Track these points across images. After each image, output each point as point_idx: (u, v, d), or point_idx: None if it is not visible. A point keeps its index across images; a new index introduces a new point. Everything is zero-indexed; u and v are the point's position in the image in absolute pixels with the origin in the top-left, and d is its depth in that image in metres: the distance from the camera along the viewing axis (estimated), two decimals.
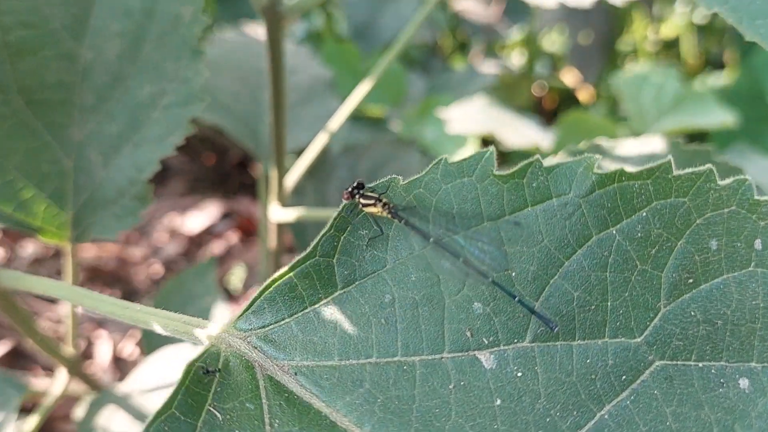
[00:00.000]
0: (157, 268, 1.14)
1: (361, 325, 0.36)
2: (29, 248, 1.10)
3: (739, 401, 0.34)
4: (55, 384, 0.65)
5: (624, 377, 0.34)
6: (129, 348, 1.01)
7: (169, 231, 1.17)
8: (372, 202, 0.37)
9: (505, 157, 1.13)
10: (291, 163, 0.77)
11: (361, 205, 0.37)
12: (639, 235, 0.35)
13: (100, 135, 0.59)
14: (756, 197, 0.35)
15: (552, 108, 1.46)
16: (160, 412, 0.34)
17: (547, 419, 0.34)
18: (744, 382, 0.35)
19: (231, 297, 1.09)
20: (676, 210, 0.35)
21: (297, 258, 0.36)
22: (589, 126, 0.99)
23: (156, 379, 0.64)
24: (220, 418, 0.35)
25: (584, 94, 1.41)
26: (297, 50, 0.95)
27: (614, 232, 0.35)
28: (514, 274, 0.35)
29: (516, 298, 0.34)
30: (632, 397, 0.34)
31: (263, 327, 0.37)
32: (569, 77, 1.46)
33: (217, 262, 1.09)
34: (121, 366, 0.97)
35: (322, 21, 1.48)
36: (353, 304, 0.36)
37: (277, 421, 0.35)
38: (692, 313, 0.35)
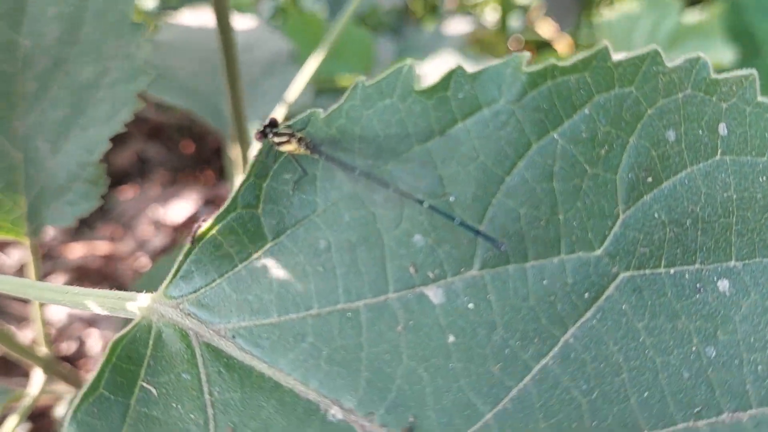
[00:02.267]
0: (144, 262, 1.13)
1: (298, 276, 0.33)
2: (15, 255, 1.10)
3: (720, 305, 0.31)
4: (31, 385, 0.63)
5: (587, 295, 0.31)
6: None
7: (153, 224, 1.16)
8: (285, 139, 0.33)
9: None
10: None
11: (276, 145, 0.34)
12: (584, 135, 0.31)
13: (46, 122, 0.57)
14: (713, 76, 0.31)
15: (528, 61, 1.40)
16: (87, 394, 0.31)
17: (506, 351, 0.31)
18: (723, 284, 0.31)
19: None
20: (622, 101, 0.31)
21: (217, 212, 0.33)
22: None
23: None
24: (155, 393, 0.32)
25: (562, 45, 1.35)
26: (257, 26, 0.93)
27: (555, 136, 0.31)
28: (452, 198, 0.32)
29: (456, 221, 0.31)
30: (598, 316, 0.31)
31: (194, 291, 0.34)
32: (545, 29, 1.40)
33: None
34: None
35: None
36: (286, 255, 0.33)
37: (216, 389, 0.32)
38: (656, 215, 0.31)
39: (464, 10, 1.45)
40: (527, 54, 0.31)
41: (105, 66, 0.57)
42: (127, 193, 1.25)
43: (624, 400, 0.30)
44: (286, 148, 0.34)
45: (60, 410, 0.61)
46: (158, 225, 1.16)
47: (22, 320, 1.02)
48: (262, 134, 0.34)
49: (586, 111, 0.31)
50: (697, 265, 0.31)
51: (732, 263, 0.31)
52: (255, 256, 0.34)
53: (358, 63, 1.04)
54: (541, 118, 0.31)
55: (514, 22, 1.40)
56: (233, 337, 0.33)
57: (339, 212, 0.33)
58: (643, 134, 0.31)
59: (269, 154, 0.34)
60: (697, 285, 0.31)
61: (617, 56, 0.30)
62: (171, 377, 0.33)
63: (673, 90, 0.31)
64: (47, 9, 0.56)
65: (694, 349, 0.30)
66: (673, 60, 0.31)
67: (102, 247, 1.15)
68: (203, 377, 0.33)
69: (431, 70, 0.92)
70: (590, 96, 0.31)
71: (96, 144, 0.56)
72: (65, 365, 0.65)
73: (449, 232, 0.32)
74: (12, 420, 0.57)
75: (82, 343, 1.00)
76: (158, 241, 1.14)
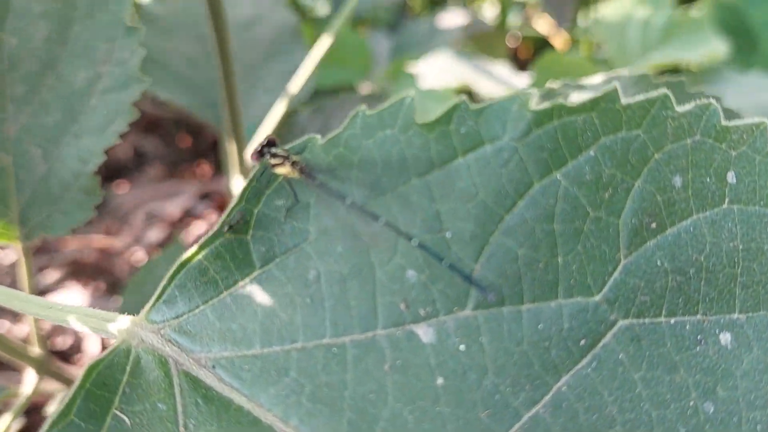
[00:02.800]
0: (140, 257, 1.11)
1: (285, 307, 0.32)
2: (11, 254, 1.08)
3: (721, 359, 0.30)
4: (24, 385, 0.62)
5: (583, 342, 0.30)
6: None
7: (149, 218, 1.15)
8: (280, 161, 0.32)
9: None
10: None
11: (271, 166, 0.33)
12: (588, 177, 0.30)
13: (37, 127, 0.56)
14: (724, 123, 0.30)
15: (527, 58, 1.39)
16: (56, 421, 0.30)
17: (497, 396, 0.29)
18: (725, 337, 0.30)
19: None
20: (629, 145, 0.30)
21: (205, 237, 0.32)
22: (565, 67, 0.93)
23: None
24: (128, 423, 0.31)
25: (559, 41, 1.34)
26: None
27: (558, 177, 0.30)
28: (449, 234, 0.31)
29: (445, 264, 0.30)
30: (594, 364, 0.30)
31: (177, 317, 0.33)
32: (542, 25, 1.39)
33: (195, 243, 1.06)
34: None
35: None
36: (274, 284, 0.32)
37: (192, 421, 0.31)
38: (658, 263, 0.30)
39: (462, 4, 1.44)
40: (535, 91, 0.30)
41: (97, 71, 0.55)
42: (123, 186, 1.23)
43: None
44: (281, 171, 0.33)
45: (52, 409, 0.59)
46: (154, 219, 1.14)
47: (18, 315, 1.01)
48: (260, 154, 0.33)
49: (592, 152, 0.30)
50: (699, 316, 0.30)
51: (735, 315, 0.30)
52: (241, 283, 0.32)
53: (357, 65, 1.03)
54: (544, 158, 0.30)
55: (512, 18, 1.39)
56: (213, 367, 0.32)
57: (332, 242, 0.32)
58: (649, 179, 0.30)
59: (264, 175, 0.32)
60: (698, 337, 0.30)
61: (626, 99, 0.29)
62: (146, 406, 0.31)
63: (682, 135, 0.30)
64: (32, 5, 0.55)
65: (692, 403, 0.29)
66: (684, 106, 0.30)
67: (97, 241, 1.13)
68: (179, 408, 0.31)
69: (428, 70, 0.91)
70: (596, 137, 0.30)
71: (90, 154, 0.54)
72: (59, 362, 0.64)
73: (444, 270, 0.31)
74: (5, 419, 0.56)
75: (77, 338, 0.98)
76: (154, 235, 1.12)
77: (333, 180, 0.32)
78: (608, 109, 0.30)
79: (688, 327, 0.30)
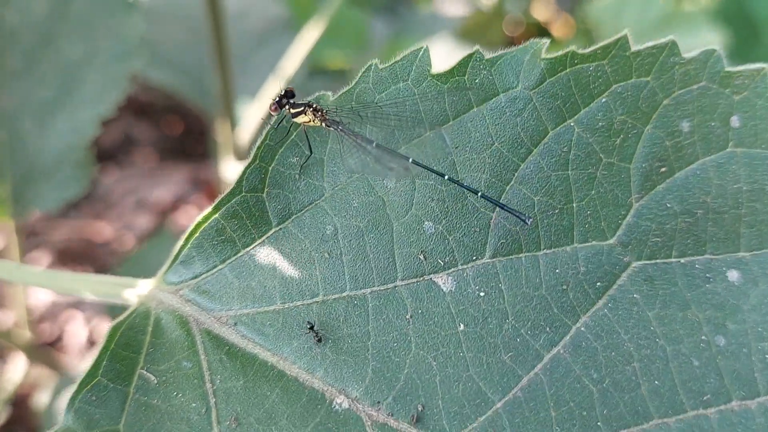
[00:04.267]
0: (129, 242, 1.10)
1: (303, 263, 0.32)
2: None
3: (729, 295, 0.31)
4: (14, 371, 0.61)
5: (599, 284, 0.31)
6: (105, 328, 0.97)
7: (139, 204, 1.13)
8: (301, 109, 0.33)
9: None
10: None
11: (291, 115, 0.33)
12: (600, 124, 0.31)
13: (33, 101, 0.55)
14: (727, 69, 0.31)
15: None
16: (85, 381, 0.30)
17: (518, 339, 0.30)
18: (733, 274, 0.31)
19: None
20: (639, 91, 0.30)
21: (221, 196, 0.32)
22: None
23: None
24: (155, 381, 0.31)
25: (559, 28, 1.35)
26: None
27: (572, 124, 0.31)
28: (466, 184, 0.31)
29: (479, 194, 0.31)
30: (610, 305, 0.31)
31: (195, 277, 0.33)
32: (543, 11, 1.39)
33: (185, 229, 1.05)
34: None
35: None
36: (291, 240, 0.32)
37: (218, 377, 0.31)
38: (668, 205, 0.31)
39: None
40: (546, 40, 0.30)
41: (95, 45, 0.55)
42: (113, 172, 1.21)
43: (635, 388, 0.30)
44: (302, 119, 0.33)
45: (41, 398, 0.58)
46: (144, 205, 1.13)
47: (1, 303, 0.99)
48: (278, 104, 0.33)
49: (603, 99, 0.30)
50: (707, 255, 0.31)
51: (741, 254, 0.31)
52: (258, 241, 0.33)
53: (350, 41, 1.02)
54: (558, 106, 0.30)
55: (511, 5, 1.38)
56: (235, 324, 0.32)
57: (348, 197, 0.32)
58: (658, 124, 0.31)
59: (277, 131, 0.32)
60: (707, 275, 0.31)
61: (636, 46, 0.30)
62: (171, 365, 0.31)
63: (689, 81, 0.31)
64: None
65: (704, 338, 0.30)
66: (690, 51, 0.30)
67: (86, 227, 1.11)
68: (204, 365, 0.31)
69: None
70: (608, 85, 0.30)
71: (85, 126, 0.54)
72: (47, 349, 0.63)
73: (461, 219, 0.31)
74: None
75: (64, 327, 0.97)
76: (144, 221, 1.11)
77: (347, 124, 0.33)
78: (619, 56, 0.30)
79: (697, 266, 0.31)
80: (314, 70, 0.99)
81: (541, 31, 1.43)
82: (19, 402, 0.83)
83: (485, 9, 1.38)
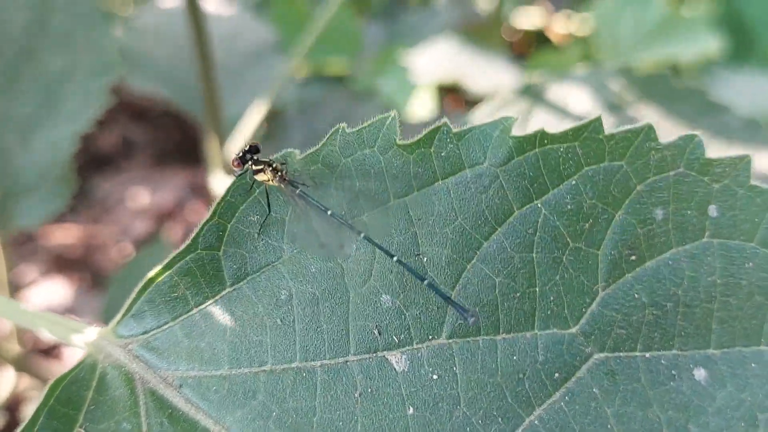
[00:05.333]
0: (126, 248, 1.10)
1: (254, 328, 0.31)
2: None
3: (694, 395, 0.29)
4: (4, 384, 0.61)
5: (557, 375, 0.29)
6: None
7: (136, 208, 1.13)
8: (261, 167, 0.32)
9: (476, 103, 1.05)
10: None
11: (252, 171, 0.32)
12: (569, 207, 0.29)
13: (14, 116, 0.55)
14: (707, 157, 0.30)
15: (524, 51, 1.38)
16: None
17: (467, 429, 0.29)
18: (700, 373, 0.29)
19: None
20: (612, 176, 0.29)
21: (176, 252, 0.31)
22: (560, 65, 0.92)
23: None
24: None
25: (557, 34, 1.33)
26: (239, 15, 0.90)
27: (539, 205, 0.29)
28: (426, 259, 0.30)
29: (425, 281, 0.29)
30: (567, 398, 0.29)
31: (145, 333, 0.32)
32: (540, 15, 1.38)
33: (185, 237, 1.05)
34: None
35: None
36: (244, 303, 0.31)
37: None
38: (636, 296, 0.30)
39: None
40: (514, 118, 0.29)
41: (76, 58, 0.55)
42: (110, 176, 1.21)
43: None
44: (262, 178, 0.32)
45: (28, 410, 0.58)
46: (142, 210, 1.13)
47: None
48: (241, 160, 0.33)
49: (573, 182, 0.29)
50: (674, 351, 0.30)
51: (710, 351, 0.30)
52: (211, 301, 0.32)
53: (345, 47, 1.02)
54: (525, 185, 0.29)
55: (509, 7, 1.37)
56: (180, 386, 0.31)
57: (305, 262, 0.31)
58: (630, 210, 0.29)
59: (239, 188, 0.32)
60: (673, 372, 0.29)
61: (610, 129, 0.29)
62: (110, 425, 0.30)
63: (665, 168, 0.29)
64: None
65: None
66: (667, 138, 0.29)
67: (83, 232, 1.11)
68: (144, 428, 0.30)
69: (420, 63, 0.90)
70: (579, 167, 0.29)
71: (67, 141, 0.54)
72: (39, 359, 0.63)
73: (419, 295, 0.30)
74: None
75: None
76: (142, 226, 1.10)
77: (307, 189, 0.32)
78: (591, 139, 0.29)
79: (663, 362, 0.29)
80: (311, 77, 0.99)
81: (539, 36, 1.41)
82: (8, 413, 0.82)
83: (483, 14, 1.36)
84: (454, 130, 0.29)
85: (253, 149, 0.33)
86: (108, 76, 0.55)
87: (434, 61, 0.96)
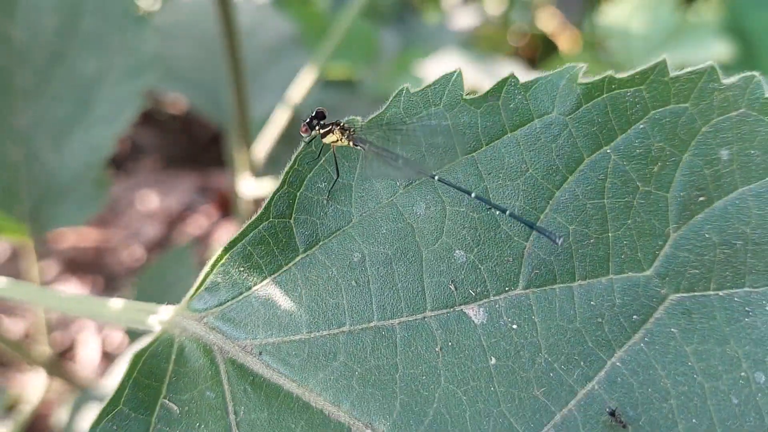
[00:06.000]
0: (137, 251, 1.10)
1: (330, 291, 0.31)
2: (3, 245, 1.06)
3: None
4: (35, 387, 0.61)
5: (635, 317, 0.30)
6: (118, 338, 0.97)
7: (146, 212, 1.13)
8: (329, 128, 0.32)
9: None
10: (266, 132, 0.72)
11: (320, 136, 0.32)
12: (637, 151, 0.30)
13: (48, 119, 0.55)
14: (767, 96, 0.30)
15: (531, 56, 1.39)
16: (106, 410, 0.29)
17: (551, 374, 0.29)
18: None
19: None
20: (678, 118, 0.30)
21: (248, 222, 0.32)
22: None
23: None
24: (177, 411, 0.30)
25: (566, 40, 1.34)
26: (259, 8, 0.89)
27: (608, 151, 0.30)
28: (497, 212, 0.31)
29: (507, 212, 0.30)
30: (646, 339, 0.30)
31: (220, 305, 0.32)
32: (550, 21, 1.39)
33: (196, 240, 1.05)
34: (112, 358, 0.93)
35: None
36: (318, 268, 0.32)
37: (242, 408, 0.30)
38: (707, 236, 0.30)
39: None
40: (583, 65, 0.29)
41: (109, 61, 0.55)
42: (120, 180, 1.21)
43: (672, 426, 0.29)
44: (329, 139, 0.32)
45: (60, 416, 0.58)
46: (152, 213, 1.13)
47: (10, 311, 0.98)
48: (309, 125, 0.33)
49: (641, 126, 0.30)
50: (746, 288, 0.30)
51: None
52: (285, 268, 0.32)
53: (361, 53, 1.02)
54: (594, 132, 0.30)
55: (519, 13, 1.38)
56: (260, 353, 0.31)
57: (376, 224, 0.32)
58: (696, 152, 0.30)
59: (306, 156, 0.32)
60: (747, 308, 0.30)
61: (675, 71, 0.29)
62: (194, 395, 0.31)
63: (728, 108, 0.30)
64: (41, 0, 0.54)
65: (743, 374, 0.29)
66: (729, 78, 0.30)
67: (95, 236, 1.11)
68: (228, 396, 0.31)
69: (434, 71, 0.90)
70: (646, 111, 0.29)
71: (102, 144, 0.54)
72: (61, 361, 0.63)
73: (493, 248, 0.31)
74: (14, 423, 0.54)
75: (76, 336, 0.96)
76: (151, 229, 1.10)
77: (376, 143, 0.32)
78: (657, 82, 0.29)
79: (737, 299, 0.30)
80: (323, 81, 0.99)
81: (546, 42, 1.42)
82: (37, 418, 0.82)
83: (493, 20, 1.37)
84: (521, 81, 0.30)
85: (319, 115, 0.33)
86: (142, 79, 0.55)
87: (448, 67, 0.96)
